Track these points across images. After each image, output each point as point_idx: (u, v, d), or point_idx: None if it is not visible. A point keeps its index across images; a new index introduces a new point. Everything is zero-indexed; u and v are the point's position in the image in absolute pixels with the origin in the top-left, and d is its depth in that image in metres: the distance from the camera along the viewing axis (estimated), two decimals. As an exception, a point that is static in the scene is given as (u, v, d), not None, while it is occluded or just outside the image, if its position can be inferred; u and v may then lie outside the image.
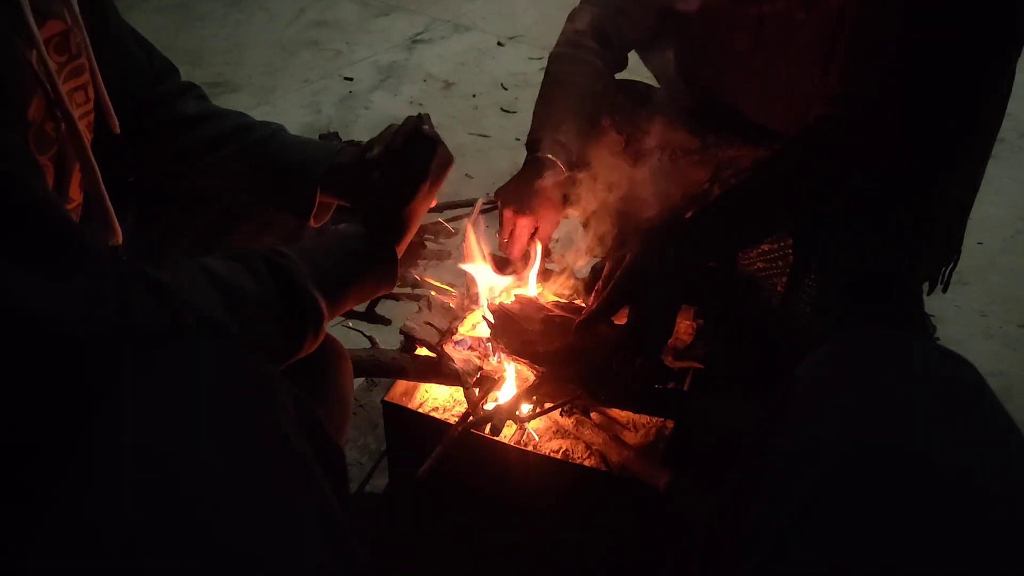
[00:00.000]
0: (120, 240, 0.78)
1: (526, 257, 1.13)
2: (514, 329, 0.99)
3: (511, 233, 1.11)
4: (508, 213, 1.10)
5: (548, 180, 1.10)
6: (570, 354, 0.95)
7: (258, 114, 2.39)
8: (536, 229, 1.12)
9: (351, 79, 2.66)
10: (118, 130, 0.82)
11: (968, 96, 0.94)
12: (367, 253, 0.78)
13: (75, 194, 0.77)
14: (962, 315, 1.60)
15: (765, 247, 1.07)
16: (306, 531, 0.46)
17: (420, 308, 1.07)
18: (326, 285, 0.71)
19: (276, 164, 0.94)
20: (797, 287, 1.05)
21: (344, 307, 0.76)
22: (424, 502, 1.07)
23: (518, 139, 2.30)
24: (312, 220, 0.94)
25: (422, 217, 0.87)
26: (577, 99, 1.18)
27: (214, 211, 1.00)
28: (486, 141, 2.34)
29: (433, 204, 0.90)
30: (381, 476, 1.24)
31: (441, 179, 0.88)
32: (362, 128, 2.37)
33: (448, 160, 0.89)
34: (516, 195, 1.10)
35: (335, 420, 0.81)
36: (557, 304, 1.03)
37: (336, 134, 2.20)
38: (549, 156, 1.12)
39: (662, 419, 1.04)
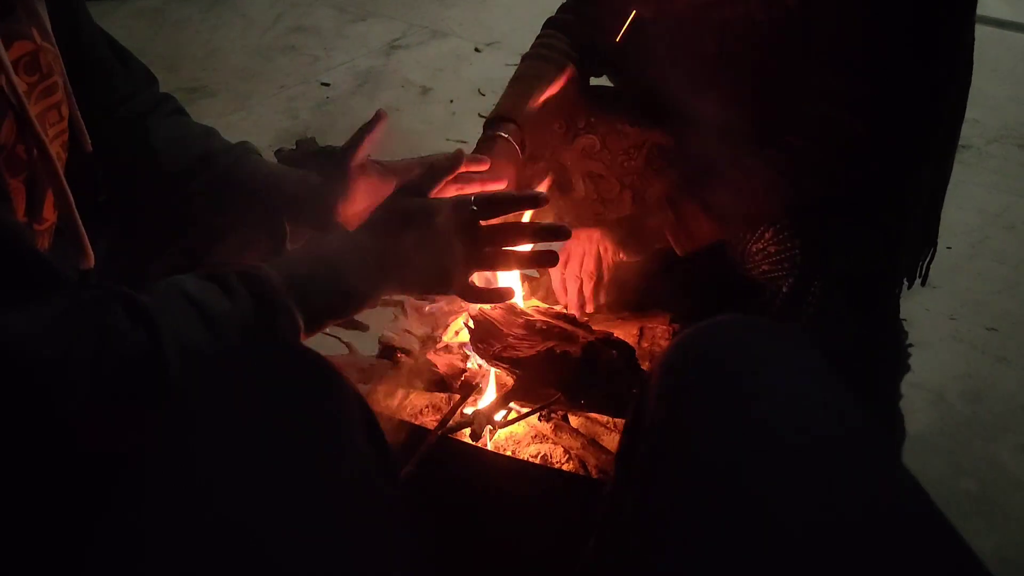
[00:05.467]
0: (92, 263, 0.77)
1: None
2: (494, 335, 0.99)
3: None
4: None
5: (501, 160, 1.09)
6: (549, 359, 0.96)
7: (235, 120, 2.41)
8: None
9: (328, 84, 2.66)
10: (90, 148, 0.82)
11: (936, 81, 0.98)
12: (344, 266, 0.76)
13: (49, 215, 0.76)
14: (931, 318, 1.63)
15: (772, 249, 1.09)
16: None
17: (395, 316, 1.07)
18: (301, 295, 0.70)
19: (246, 194, 0.94)
20: (805, 290, 1.07)
21: (320, 321, 0.75)
22: (403, 509, 1.07)
23: (496, 145, 2.31)
24: (287, 244, 0.94)
25: None
26: (539, 87, 1.18)
27: (192, 232, 0.99)
28: (464, 147, 2.35)
29: None
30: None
31: None
32: (339, 133, 2.36)
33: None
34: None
35: None
36: (538, 310, 1.04)
37: (313, 139, 2.19)
38: (501, 134, 1.12)
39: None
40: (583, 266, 1.15)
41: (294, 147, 2.32)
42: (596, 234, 1.15)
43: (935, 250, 1.21)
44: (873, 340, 1.24)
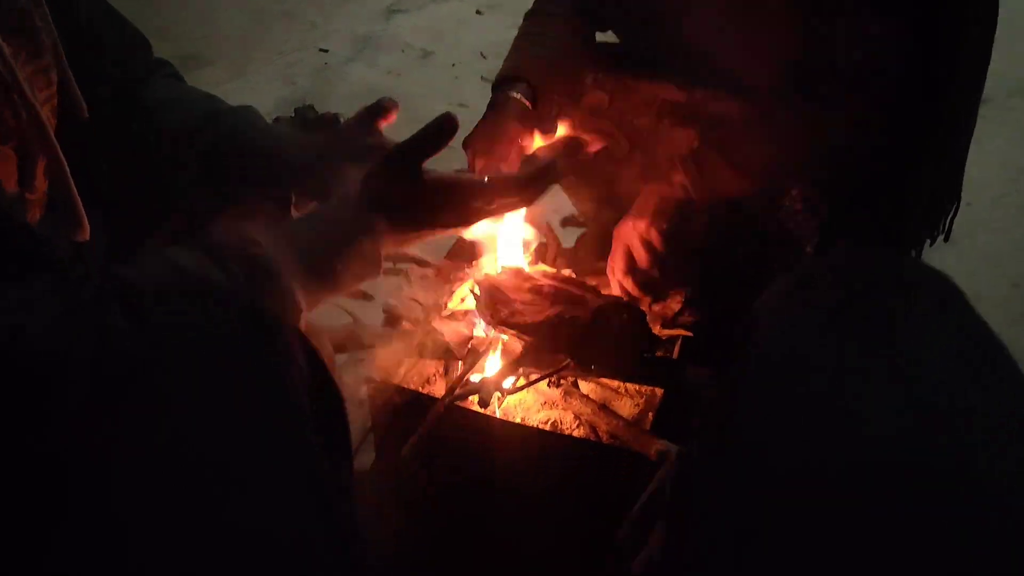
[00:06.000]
0: (87, 235, 0.74)
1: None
2: (501, 301, 0.96)
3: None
4: (480, 163, 1.06)
5: (515, 122, 1.05)
6: (558, 324, 0.93)
7: (231, 88, 2.36)
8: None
9: (326, 51, 2.61)
10: (86, 115, 0.78)
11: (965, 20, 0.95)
12: (348, 238, 0.72)
13: (41, 184, 0.73)
14: (952, 275, 1.59)
15: (797, 207, 1.05)
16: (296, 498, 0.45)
17: (401, 284, 1.04)
18: (304, 277, 0.67)
19: (248, 160, 0.90)
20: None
21: (322, 296, 0.72)
22: (410, 480, 1.05)
23: (499, 109, 2.25)
24: (293, 210, 0.90)
25: None
26: (545, 44, 1.14)
27: (192, 199, 0.96)
28: (466, 112, 2.27)
29: None
30: (367, 454, 1.22)
31: None
32: (338, 100, 2.32)
33: None
34: (485, 142, 1.06)
35: None
36: (545, 274, 1.01)
37: (312, 107, 2.14)
38: (513, 95, 1.07)
39: (652, 387, 1.03)
40: (637, 258, 1.10)
41: (292, 115, 2.28)
42: (631, 225, 1.11)
43: (959, 204, 1.17)
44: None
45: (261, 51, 2.59)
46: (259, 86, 2.39)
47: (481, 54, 2.58)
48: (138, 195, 0.96)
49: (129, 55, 0.94)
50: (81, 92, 0.78)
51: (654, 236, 1.09)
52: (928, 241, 1.20)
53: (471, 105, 2.32)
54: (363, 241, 0.72)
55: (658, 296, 1.09)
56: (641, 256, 1.09)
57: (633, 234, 1.11)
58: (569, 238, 1.34)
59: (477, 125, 1.07)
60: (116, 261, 0.59)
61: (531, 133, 1.05)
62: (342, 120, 2.20)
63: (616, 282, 1.13)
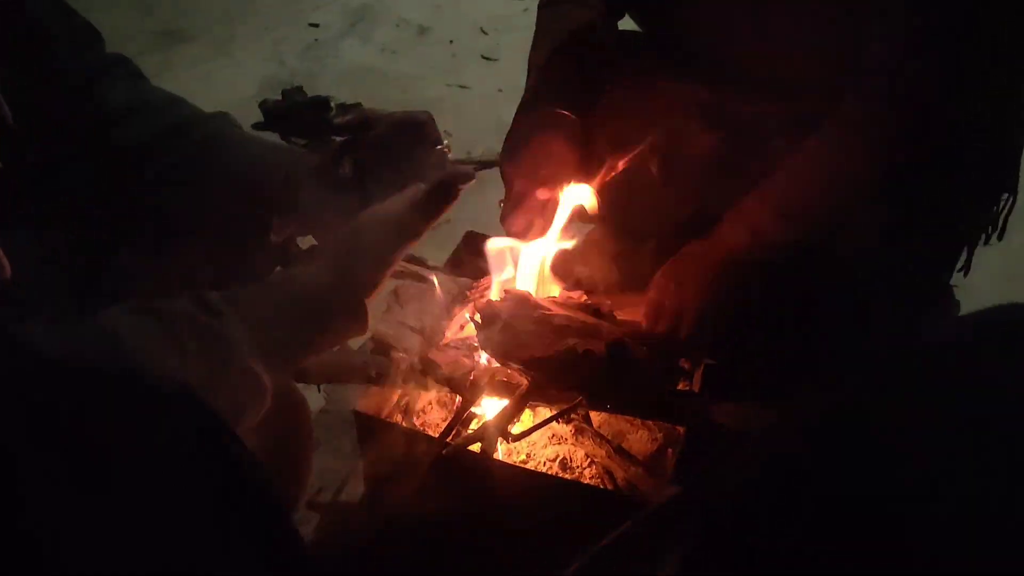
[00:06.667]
0: (8, 273, 0.63)
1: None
2: (505, 331, 0.85)
3: (520, 205, 0.95)
4: (519, 182, 0.94)
5: (562, 138, 0.95)
6: (571, 359, 0.82)
7: (214, 67, 2.22)
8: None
9: (317, 25, 2.45)
10: (11, 121, 0.66)
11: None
12: (330, 311, 0.62)
13: None
14: (984, 280, 1.47)
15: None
16: None
17: (388, 305, 0.93)
18: (272, 352, 0.57)
19: (222, 172, 0.78)
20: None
21: (295, 366, 0.62)
22: (404, 525, 0.95)
23: (501, 90, 2.12)
24: (272, 236, 0.78)
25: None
26: (575, 42, 1.03)
27: (153, 223, 0.84)
28: (465, 93, 2.16)
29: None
30: (356, 481, 1.12)
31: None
32: (329, 80, 2.18)
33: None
34: (529, 159, 0.94)
35: (289, 490, 0.68)
36: (553, 300, 0.89)
37: (300, 88, 2.02)
38: (557, 109, 0.96)
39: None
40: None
41: (279, 98, 2.13)
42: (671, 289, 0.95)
43: (1014, 200, 1.06)
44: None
45: (246, 26, 2.43)
46: (244, 64, 2.25)
47: (481, 30, 2.43)
48: (102, 206, 0.84)
49: (80, 50, 0.82)
50: (26, 93, 0.66)
51: (699, 313, 0.94)
52: (983, 237, 1.10)
53: (472, 86, 2.19)
54: (342, 317, 0.62)
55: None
56: (679, 335, 0.93)
57: (672, 303, 0.95)
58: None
59: (516, 140, 0.97)
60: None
61: (578, 152, 0.94)
62: (333, 104, 2.05)
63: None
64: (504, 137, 1.05)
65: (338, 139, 0.77)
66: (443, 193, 0.65)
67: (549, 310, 0.86)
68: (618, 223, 1.15)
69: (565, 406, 0.89)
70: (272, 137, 1.92)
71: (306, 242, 0.84)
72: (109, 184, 0.82)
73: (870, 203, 0.91)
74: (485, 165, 1.84)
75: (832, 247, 0.94)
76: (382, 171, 0.70)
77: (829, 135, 0.87)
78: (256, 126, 1.95)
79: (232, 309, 0.55)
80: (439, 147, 0.71)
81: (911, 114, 0.84)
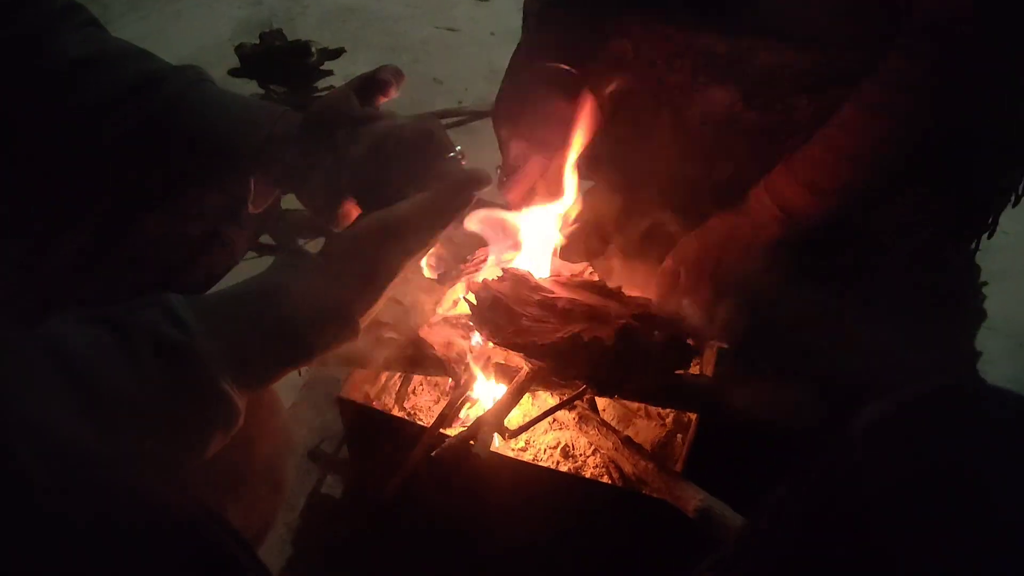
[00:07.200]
0: None
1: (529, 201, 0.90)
2: (504, 314, 0.77)
3: (518, 173, 0.87)
4: (517, 146, 0.86)
5: (561, 96, 0.86)
6: (576, 347, 0.75)
7: (184, 7, 2.07)
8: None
9: (296, -39, 2.30)
10: None
11: None
12: (319, 330, 0.53)
13: None
14: (1011, 241, 1.40)
15: (919, 190, 0.87)
16: None
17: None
18: (248, 371, 0.49)
19: (193, 135, 0.69)
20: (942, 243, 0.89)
21: (273, 382, 0.54)
22: (391, 513, 0.89)
23: (493, 33, 2.00)
24: (251, 206, 0.70)
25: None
26: None
27: (114, 193, 0.74)
28: (455, 36, 2.04)
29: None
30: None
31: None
32: (310, 23, 2.05)
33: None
34: (527, 121, 0.86)
35: (258, 506, 0.62)
36: (557, 281, 0.82)
37: (280, 31, 1.89)
38: (558, 65, 0.88)
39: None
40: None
41: (257, 42, 2.00)
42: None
43: None
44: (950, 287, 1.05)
45: (221, -38, 2.28)
46: (218, 5, 2.10)
47: (472, -34, 2.29)
48: (53, 177, 0.75)
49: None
50: None
51: (718, 290, 0.87)
52: (1011, 204, 1.02)
53: (462, 28, 2.06)
54: (341, 320, 0.54)
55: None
56: (692, 312, 0.86)
57: (689, 277, 0.89)
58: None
59: (511, 96, 0.89)
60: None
61: (578, 110, 0.85)
62: (314, 49, 1.91)
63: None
64: (497, 87, 0.96)
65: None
66: (455, 197, 0.57)
67: (552, 292, 0.78)
68: (621, 185, 1.06)
69: (568, 393, 0.83)
70: (250, 85, 1.81)
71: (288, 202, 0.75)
72: (61, 152, 0.73)
73: (908, 175, 0.82)
74: (476, 115, 1.75)
75: (866, 222, 0.86)
76: (390, 186, 0.61)
77: (866, 102, 0.79)
78: (232, 72, 1.84)
79: (205, 322, 0.47)
80: (451, 155, 0.62)
81: (960, 80, 0.75)
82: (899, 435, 0.39)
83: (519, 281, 0.79)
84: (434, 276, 0.87)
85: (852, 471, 0.39)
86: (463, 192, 0.58)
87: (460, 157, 0.63)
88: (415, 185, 0.60)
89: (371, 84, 0.65)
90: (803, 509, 0.40)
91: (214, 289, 0.80)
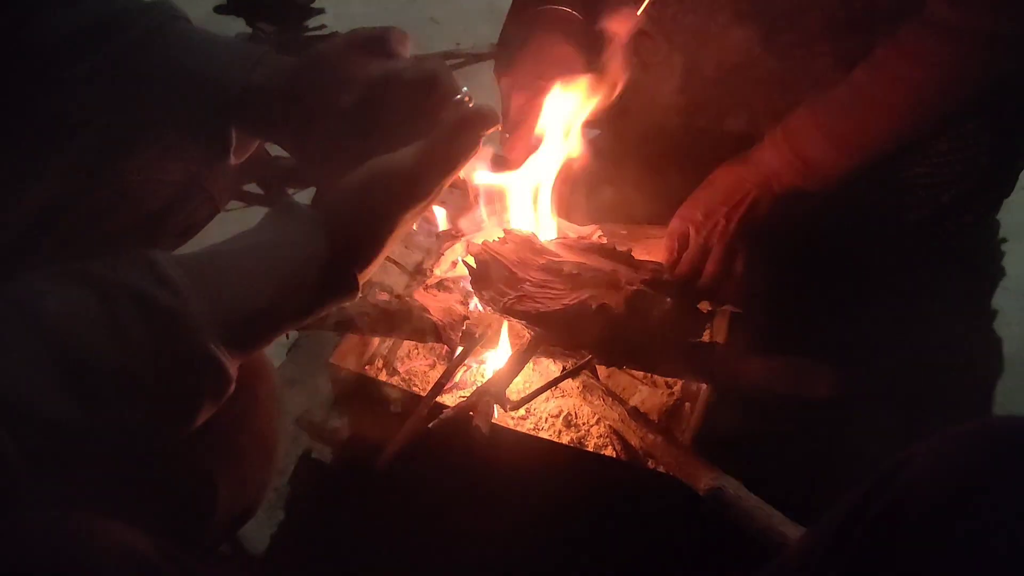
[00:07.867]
0: None
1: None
2: (504, 279, 0.72)
3: (520, 127, 0.81)
4: (520, 97, 0.80)
5: (565, 42, 0.81)
6: (583, 315, 0.70)
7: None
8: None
9: None
10: None
11: None
12: (315, 289, 0.48)
13: None
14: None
15: (944, 147, 0.80)
16: None
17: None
18: (239, 333, 0.44)
19: (164, 79, 0.62)
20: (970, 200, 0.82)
21: (266, 346, 0.49)
22: (385, 484, 0.85)
23: (493, -30, 1.90)
24: (231, 156, 0.63)
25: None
26: None
27: (80, 140, 0.68)
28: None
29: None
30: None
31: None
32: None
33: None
34: (529, 71, 0.80)
35: (252, 475, 0.57)
36: (563, 244, 0.76)
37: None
38: (561, 8, 0.83)
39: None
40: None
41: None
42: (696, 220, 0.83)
43: None
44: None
45: None
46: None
47: None
48: (14, 119, 0.69)
49: None
50: None
51: (730, 249, 0.82)
52: None
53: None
54: (339, 277, 0.49)
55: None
56: (706, 272, 0.82)
57: (699, 236, 0.83)
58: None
59: (509, 41, 0.84)
60: None
61: (585, 60, 0.79)
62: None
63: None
64: (498, 29, 0.90)
65: None
66: (461, 140, 0.50)
67: (557, 256, 0.73)
68: (627, 137, 1.00)
69: (572, 361, 0.78)
70: (237, 23, 1.72)
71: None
72: (19, 97, 0.66)
73: (932, 134, 0.77)
74: (476, 58, 1.67)
75: (885, 180, 0.80)
76: (392, 135, 0.55)
77: (905, 50, 0.72)
78: (218, 9, 1.75)
79: (193, 282, 0.43)
80: (458, 98, 0.56)
81: (1013, 28, 0.69)
82: (960, 471, 0.36)
83: (522, 243, 0.74)
84: (433, 235, 0.82)
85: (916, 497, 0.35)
86: (469, 132, 0.51)
87: (467, 100, 0.56)
88: (418, 133, 0.54)
89: (373, 46, 0.58)
90: (868, 536, 0.37)
91: (194, 242, 0.76)
